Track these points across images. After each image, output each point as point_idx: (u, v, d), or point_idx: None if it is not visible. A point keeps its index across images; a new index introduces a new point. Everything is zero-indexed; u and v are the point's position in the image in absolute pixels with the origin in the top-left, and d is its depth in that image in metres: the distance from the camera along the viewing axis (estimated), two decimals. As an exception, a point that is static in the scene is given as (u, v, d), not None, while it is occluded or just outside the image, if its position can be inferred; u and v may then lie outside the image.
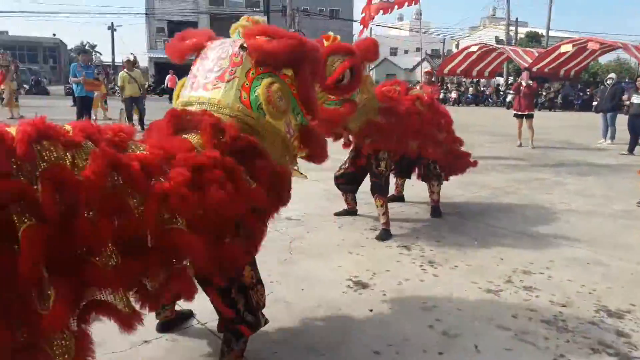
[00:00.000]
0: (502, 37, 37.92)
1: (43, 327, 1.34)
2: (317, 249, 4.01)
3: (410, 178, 5.44)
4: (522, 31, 41.99)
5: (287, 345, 2.53)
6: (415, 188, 5.63)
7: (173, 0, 38.39)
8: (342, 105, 3.72)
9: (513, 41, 35.60)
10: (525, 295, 3.24)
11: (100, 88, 13.21)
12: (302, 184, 6.35)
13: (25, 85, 25.63)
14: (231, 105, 2.13)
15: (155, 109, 10.22)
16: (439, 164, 4.98)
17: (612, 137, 11.94)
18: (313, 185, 6.36)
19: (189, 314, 2.79)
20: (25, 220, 1.30)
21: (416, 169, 5.18)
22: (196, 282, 1.88)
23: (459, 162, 5.19)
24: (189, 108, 2.16)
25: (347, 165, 4.80)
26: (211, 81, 2.21)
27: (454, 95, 30.66)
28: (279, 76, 2.21)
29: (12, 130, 1.38)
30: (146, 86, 16.17)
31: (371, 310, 2.96)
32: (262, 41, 2.17)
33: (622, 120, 11.41)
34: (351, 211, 5.10)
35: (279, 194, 2.17)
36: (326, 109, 3.54)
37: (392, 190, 5.21)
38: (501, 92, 30.98)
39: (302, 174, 2.62)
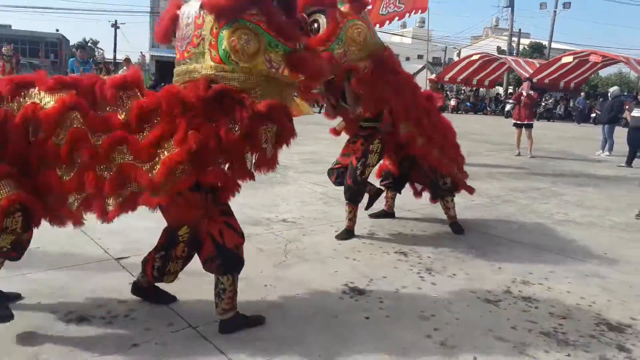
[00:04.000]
0: (504, 47, 38.00)
1: None
2: (313, 253, 3.94)
3: (401, 192, 5.13)
4: (525, 42, 42.13)
5: (281, 353, 2.45)
6: (404, 196, 5.30)
7: (178, -1, 38.32)
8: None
9: (515, 52, 35.68)
10: (524, 306, 3.18)
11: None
12: (299, 188, 6.36)
13: (24, 80, 25.59)
14: (205, 67, 2.32)
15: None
16: (451, 178, 4.63)
17: (610, 149, 11.94)
18: (310, 189, 6.31)
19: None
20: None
21: (421, 192, 5.02)
22: None
23: (461, 178, 4.82)
24: (178, 80, 2.44)
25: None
26: (186, 49, 2.40)
27: (453, 102, 30.65)
28: (242, 19, 2.28)
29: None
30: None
31: (367, 318, 2.89)
32: None
33: (621, 133, 11.39)
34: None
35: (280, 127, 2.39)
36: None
37: (382, 204, 5.11)
38: (500, 101, 31.04)
39: (308, 108, 2.84)
